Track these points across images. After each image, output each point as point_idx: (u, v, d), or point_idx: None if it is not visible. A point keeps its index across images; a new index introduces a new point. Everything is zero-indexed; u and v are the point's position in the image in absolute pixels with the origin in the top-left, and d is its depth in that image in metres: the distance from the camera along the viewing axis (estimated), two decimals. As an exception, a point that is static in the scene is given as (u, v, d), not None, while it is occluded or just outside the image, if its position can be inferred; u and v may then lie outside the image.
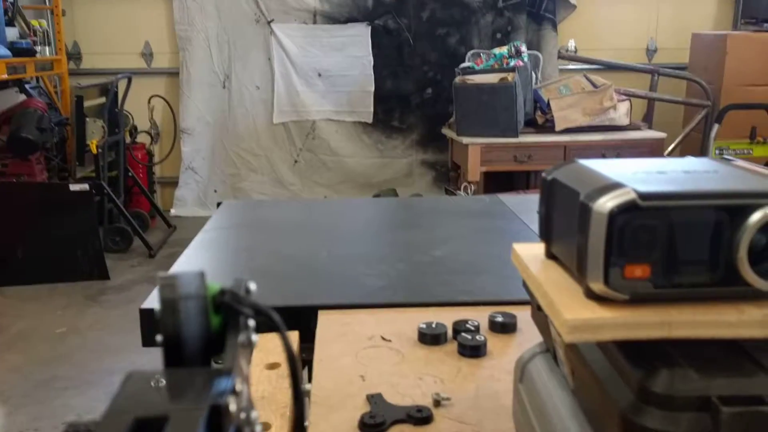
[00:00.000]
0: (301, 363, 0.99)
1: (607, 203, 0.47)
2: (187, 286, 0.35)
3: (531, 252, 0.61)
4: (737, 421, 0.45)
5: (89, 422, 0.31)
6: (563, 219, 0.55)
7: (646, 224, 0.47)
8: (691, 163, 0.56)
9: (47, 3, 5.11)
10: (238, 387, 0.32)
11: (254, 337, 0.37)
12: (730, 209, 0.47)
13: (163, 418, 0.30)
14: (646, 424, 0.46)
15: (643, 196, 0.47)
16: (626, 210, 0.47)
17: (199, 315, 0.34)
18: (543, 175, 0.58)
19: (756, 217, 0.47)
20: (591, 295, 0.49)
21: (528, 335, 1.01)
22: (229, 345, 0.35)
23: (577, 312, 0.48)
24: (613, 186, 0.48)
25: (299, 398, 0.39)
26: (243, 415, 0.34)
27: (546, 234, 0.59)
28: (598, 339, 0.48)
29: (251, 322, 0.37)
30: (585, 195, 0.49)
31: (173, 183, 5.40)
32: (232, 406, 0.31)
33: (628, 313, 0.48)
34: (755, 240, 0.48)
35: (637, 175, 0.51)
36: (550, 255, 0.59)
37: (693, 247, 0.48)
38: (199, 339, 0.35)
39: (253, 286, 0.38)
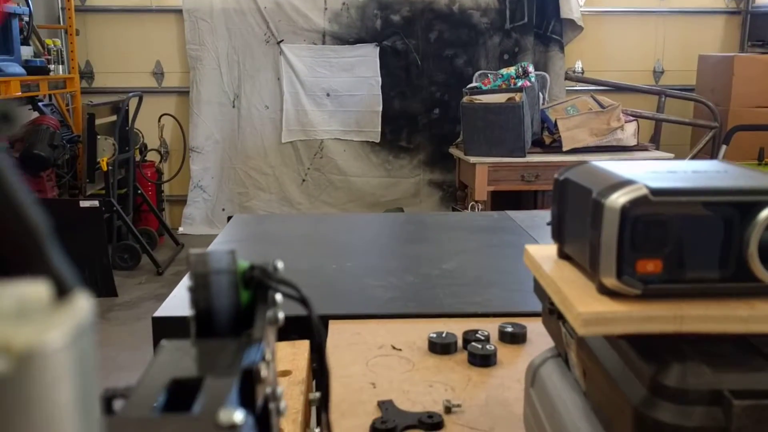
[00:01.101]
0: (311, 373, 1.00)
1: (619, 199, 0.48)
2: (218, 262, 0.36)
3: (543, 253, 0.62)
4: (749, 414, 0.45)
5: (127, 387, 0.32)
6: (576, 217, 0.56)
7: (657, 219, 0.48)
8: (700, 164, 0.57)
9: (61, 22, 5.18)
10: (268, 356, 0.33)
11: (281, 314, 0.38)
12: (740, 205, 0.48)
13: (198, 380, 0.31)
14: (659, 418, 0.47)
15: (655, 192, 0.48)
16: (638, 205, 0.48)
17: (230, 289, 0.36)
18: (555, 175, 0.59)
19: (766, 213, 0.48)
20: (604, 290, 0.50)
21: (538, 345, 1.01)
22: (258, 318, 0.36)
23: (590, 306, 0.49)
24: (625, 183, 0.49)
25: (325, 371, 0.40)
26: (269, 389, 0.34)
27: (558, 234, 0.60)
28: (610, 332, 0.49)
29: (279, 297, 0.38)
30: (597, 192, 0.50)
31: (182, 201, 5.43)
32: (264, 372, 0.32)
33: (640, 307, 0.49)
34: (765, 236, 0.48)
35: (648, 174, 0.52)
36: (562, 255, 0.60)
37: (704, 243, 0.49)
38: (229, 312, 0.36)
39: (281, 264, 0.39)
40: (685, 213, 0.48)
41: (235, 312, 0.36)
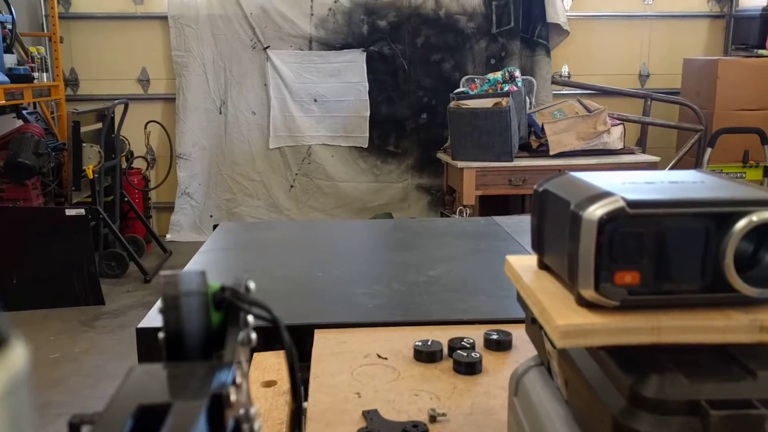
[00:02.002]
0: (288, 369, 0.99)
1: (596, 211, 0.48)
2: (189, 283, 0.36)
3: (524, 263, 0.62)
4: (726, 424, 0.46)
5: (94, 414, 0.32)
6: (555, 229, 0.56)
7: (634, 231, 0.48)
8: (677, 174, 0.57)
9: (45, 30, 5.16)
10: (239, 379, 0.33)
11: (253, 334, 0.38)
12: (716, 217, 0.49)
13: (165, 406, 0.31)
14: (638, 428, 0.47)
15: (632, 204, 0.48)
16: (615, 218, 0.48)
17: (201, 311, 0.35)
18: (535, 187, 0.59)
19: (741, 224, 0.48)
20: (582, 302, 0.50)
21: (523, 352, 1.02)
22: (230, 340, 0.36)
23: (568, 318, 0.49)
24: (603, 195, 0.49)
25: (297, 393, 0.40)
26: (242, 411, 0.34)
27: (538, 244, 0.60)
28: (589, 344, 0.49)
29: (251, 319, 0.38)
30: (575, 204, 0.50)
31: (169, 208, 5.41)
32: (233, 397, 0.32)
33: (618, 318, 0.49)
34: (741, 247, 0.49)
35: (626, 185, 0.52)
36: (542, 265, 0.60)
37: (681, 254, 0.49)
38: (200, 334, 0.35)
39: (252, 284, 0.39)
40: (662, 225, 0.48)
41: (206, 334, 0.35)
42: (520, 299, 0.67)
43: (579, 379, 0.56)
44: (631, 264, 0.49)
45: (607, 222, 0.48)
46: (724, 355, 0.50)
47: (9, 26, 4.28)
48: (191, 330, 0.35)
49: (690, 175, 0.57)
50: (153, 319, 1.13)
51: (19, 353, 0.21)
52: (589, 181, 0.54)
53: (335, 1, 5.22)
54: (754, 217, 0.48)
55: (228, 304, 0.37)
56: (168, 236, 5.29)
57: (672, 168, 4.84)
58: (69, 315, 3.82)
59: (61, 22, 5.03)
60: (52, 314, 3.80)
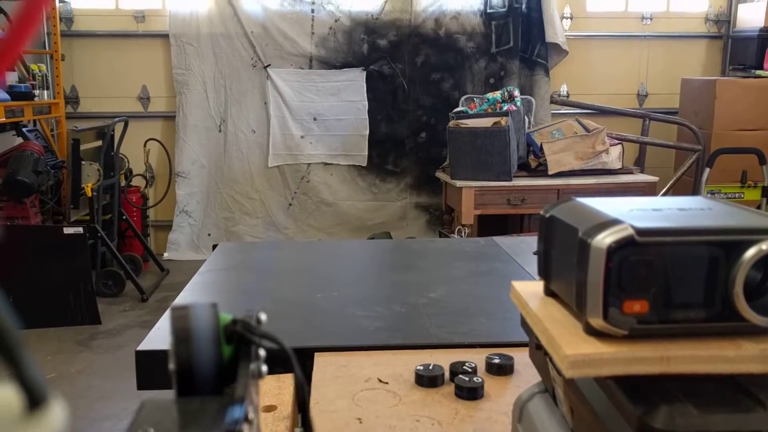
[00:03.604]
0: (297, 407, 0.98)
1: (605, 239, 0.47)
2: (200, 317, 0.35)
3: (530, 289, 0.61)
4: (738, 457, 0.45)
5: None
6: (562, 256, 0.55)
7: (643, 260, 0.47)
8: (685, 201, 0.57)
9: (47, 48, 5.17)
10: (251, 415, 0.33)
11: (264, 367, 0.37)
12: (726, 245, 0.48)
13: None
14: (648, 461, 0.46)
15: (641, 232, 0.47)
16: (624, 246, 0.47)
17: (212, 345, 0.35)
18: (541, 212, 0.59)
19: (750, 252, 0.47)
20: (590, 331, 0.50)
21: (526, 377, 1.00)
22: (241, 374, 0.35)
23: (577, 347, 0.48)
24: (611, 222, 0.49)
25: (308, 423, 0.39)
26: (252, 446, 0.34)
27: (545, 271, 0.59)
28: (598, 374, 0.48)
29: (262, 352, 0.37)
30: (583, 231, 0.50)
31: (167, 226, 5.40)
32: (247, 432, 0.31)
33: (627, 348, 0.48)
34: (750, 276, 0.48)
35: (634, 212, 0.52)
36: (548, 292, 0.60)
37: (690, 283, 0.48)
38: (212, 368, 0.35)
39: (263, 316, 0.38)
40: (672, 253, 0.48)
41: (218, 368, 0.35)
42: (524, 324, 0.66)
43: (585, 408, 0.55)
44: (639, 292, 0.48)
45: (615, 250, 0.47)
46: (734, 385, 0.49)
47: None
48: (202, 364, 0.35)
49: (697, 202, 0.56)
50: (152, 341, 1.12)
51: (57, 413, 0.20)
52: (597, 208, 0.53)
53: (336, 20, 5.25)
54: (764, 246, 0.48)
55: (239, 337, 0.36)
56: (165, 254, 5.28)
57: (670, 187, 4.84)
58: (65, 334, 3.79)
59: (63, 40, 5.05)
60: (48, 333, 3.77)
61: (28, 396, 0.20)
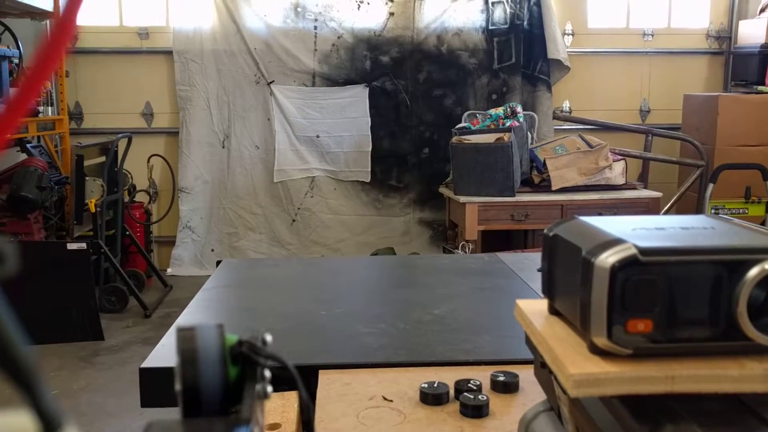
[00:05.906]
0: (301, 425, 0.98)
1: (608, 258, 0.48)
2: (206, 338, 0.35)
3: (534, 308, 0.62)
4: (744, 476, 0.45)
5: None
6: (566, 274, 0.56)
7: (647, 279, 0.48)
8: (688, 220, 0.57)
9: (51, 65, 5.20)
10: (257, 435, 0.33)
11: (269, 388, 0.37)
12: (729, 264, 0.48)
13: None
14: (653, 481, 0.46)
15: (644, 252, 0.48)
16: (628, 265, 0.47)
17: (218, 366, 0.35)
18: (545, 231, 0.59)
19: (754, 272, 0.48)
20: (595, 350, 0.50)
21: (531, 394, 1.00)
22: (247, 395, 0.35)
23: (581, 367, 0.48)
24: (615, 242, 0.49)
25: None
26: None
27: (549, 290, 0.60)
28: (602, 393, 0.48)
29: (267, 373, 0.37)
30: (587, 251, 0.50)
31: (171, 242, 5.41)
32: (252, 454, 0.31)
33: (631, 367, 0.48)
34: (754, 295, 0.48)
35: (637, 232, 0.52)
36: (553, 311, 0.60)
37: (693, 302, 0.49)
38: (218, 389, 0.35)
39: (269, 337, 0.38)
40: (675, 272, 0.48)
41: (223, 388, 0.35)
42: (528, 343, 0.66)
43: (591, 427, 0.55)
44: (643, 312, 0.48)
45: (619, 269, 0.48)
46: (738, 404, 0.49)
47: (16, 61, 4.32)
48: (208, 385, 0.35)
49: (700, 221, 0.57)
50: (156, 358, 1.12)
51: None
52: (600, 227, 0.53)
53: (339, 37, 5.28)
54: (767, 265, 0.48)
55: (245, 358, 0.36)
56: (169, 270, 5.27)
57: (674, 203, 4.84)
58: (68, 351, 3.79)
59: (67, 57, 5.08)
60: (51, 350, 3.77)
61: (43, 424, 0.21)
